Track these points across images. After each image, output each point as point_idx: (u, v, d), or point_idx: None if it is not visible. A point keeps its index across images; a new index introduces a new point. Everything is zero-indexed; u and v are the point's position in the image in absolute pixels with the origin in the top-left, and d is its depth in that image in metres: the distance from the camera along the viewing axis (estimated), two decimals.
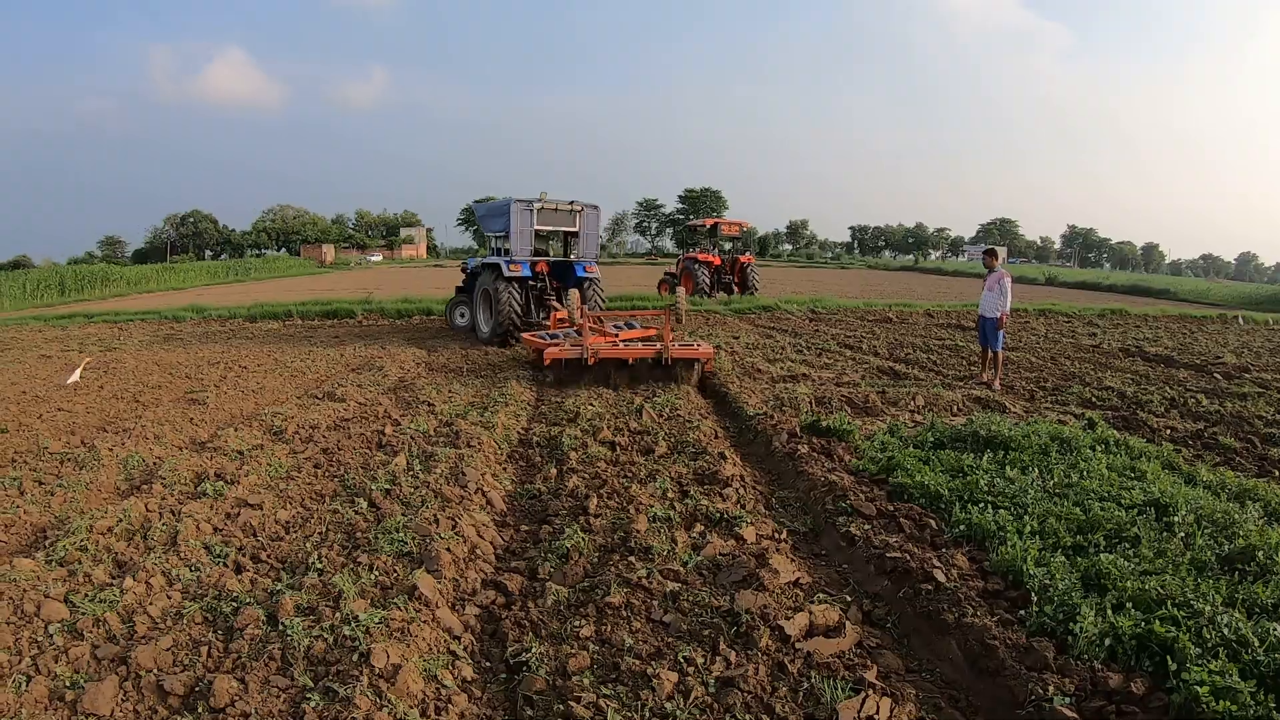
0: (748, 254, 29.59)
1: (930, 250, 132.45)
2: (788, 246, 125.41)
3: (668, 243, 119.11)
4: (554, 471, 7.47)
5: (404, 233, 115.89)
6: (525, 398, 10.98)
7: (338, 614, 4.27)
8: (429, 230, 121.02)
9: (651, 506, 6.21)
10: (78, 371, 13.05)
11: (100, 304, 33.53)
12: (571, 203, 15.88)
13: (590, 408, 9.85)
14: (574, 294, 14.81)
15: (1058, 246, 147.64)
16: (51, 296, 39.92)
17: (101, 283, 45.37)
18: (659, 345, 11.66)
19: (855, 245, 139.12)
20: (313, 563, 5.12)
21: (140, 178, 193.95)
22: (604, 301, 16.72)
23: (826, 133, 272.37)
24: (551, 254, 16.68)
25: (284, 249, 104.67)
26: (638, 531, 5.65)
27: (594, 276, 16.21)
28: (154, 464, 7.79)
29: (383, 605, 4.44)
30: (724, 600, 4.48)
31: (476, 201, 18.01)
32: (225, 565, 5.29)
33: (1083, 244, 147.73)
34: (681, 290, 19.87)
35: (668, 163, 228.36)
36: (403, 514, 5.97)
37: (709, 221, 29.29)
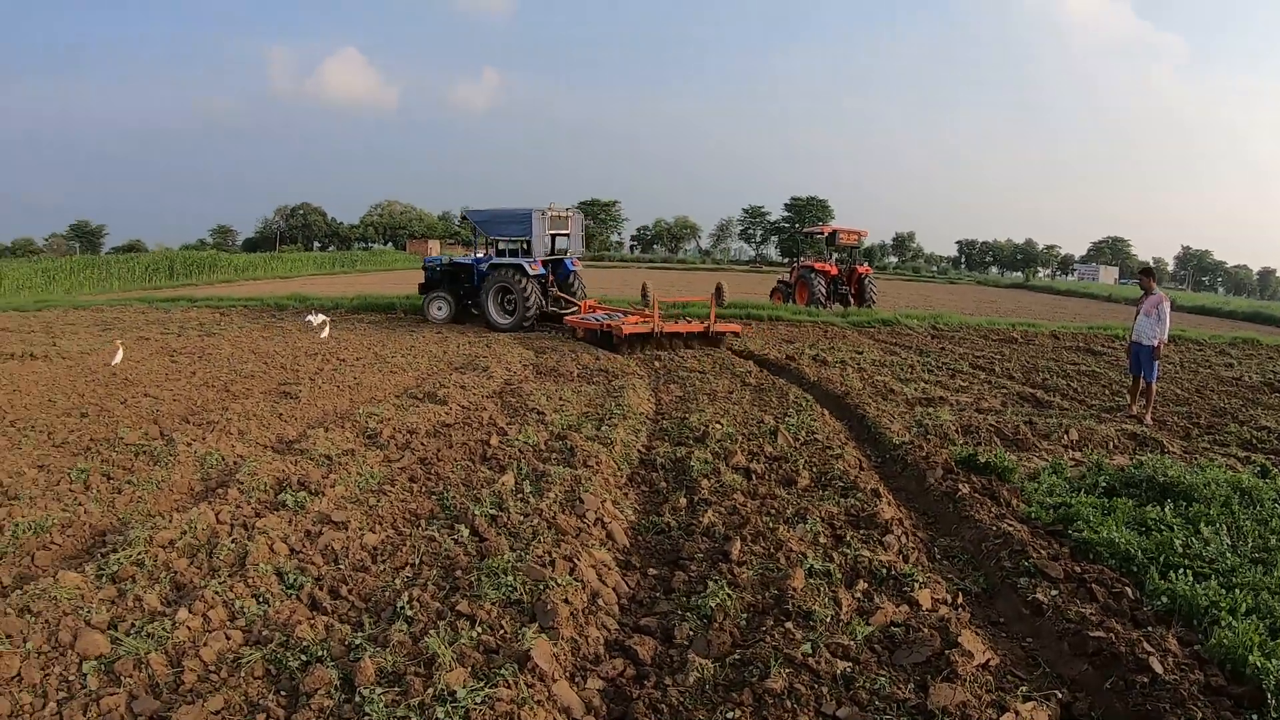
0: (865, 265, 28.42)
1: (1039, 268, 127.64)
2: (893, 259, 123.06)
3: (772, 251, 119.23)
4: (684, 501, 6.66)
5: None
6: (644, 409, 10.22)
7: (430, 688, 3.50)
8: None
9: (805, 556, 5.35)
10: (119, 354, 13.34)
11: (206, 289, 35.01)
12: (566, 208, 20.03)
13: (719, 426, 8.99)
14: (648, 285, 19.84)
15: (1171, 268, 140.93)
16: (160, 280, 42.16)
17: (209, 269, 47.66)
18: (705, 322, 16.87)
19: (963, 260, 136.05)
20: (402, 607, 4.39)
21: (255, 171, 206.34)
22: (585, 291, 21.41)
23: (935, 145, 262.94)
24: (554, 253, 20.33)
25: (390, 243, 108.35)
26: (794, 590, 4.76)
27: (578, 270, 21.14)
28: (233, 464, 7.37)
29: (486, 676, 3.66)
30: (909, 690, 3.79)
31: (472, 210, 20.53)
32: (299, 599, 4.65)
33: (1196, 266, 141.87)
34: (724, 285, 20.23)
35: (774, 170, 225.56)
36: (511, 549, 5.22)
37: (827, 229, 28.19)
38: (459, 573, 4.92)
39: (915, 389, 12.33)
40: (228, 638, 4.14)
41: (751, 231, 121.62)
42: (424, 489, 6.76)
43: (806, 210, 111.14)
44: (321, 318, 18.12)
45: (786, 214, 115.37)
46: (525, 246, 19.31)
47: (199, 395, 10.63)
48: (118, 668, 3.81)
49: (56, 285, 36.76)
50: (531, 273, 18.69)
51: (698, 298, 20.44)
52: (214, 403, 10.12)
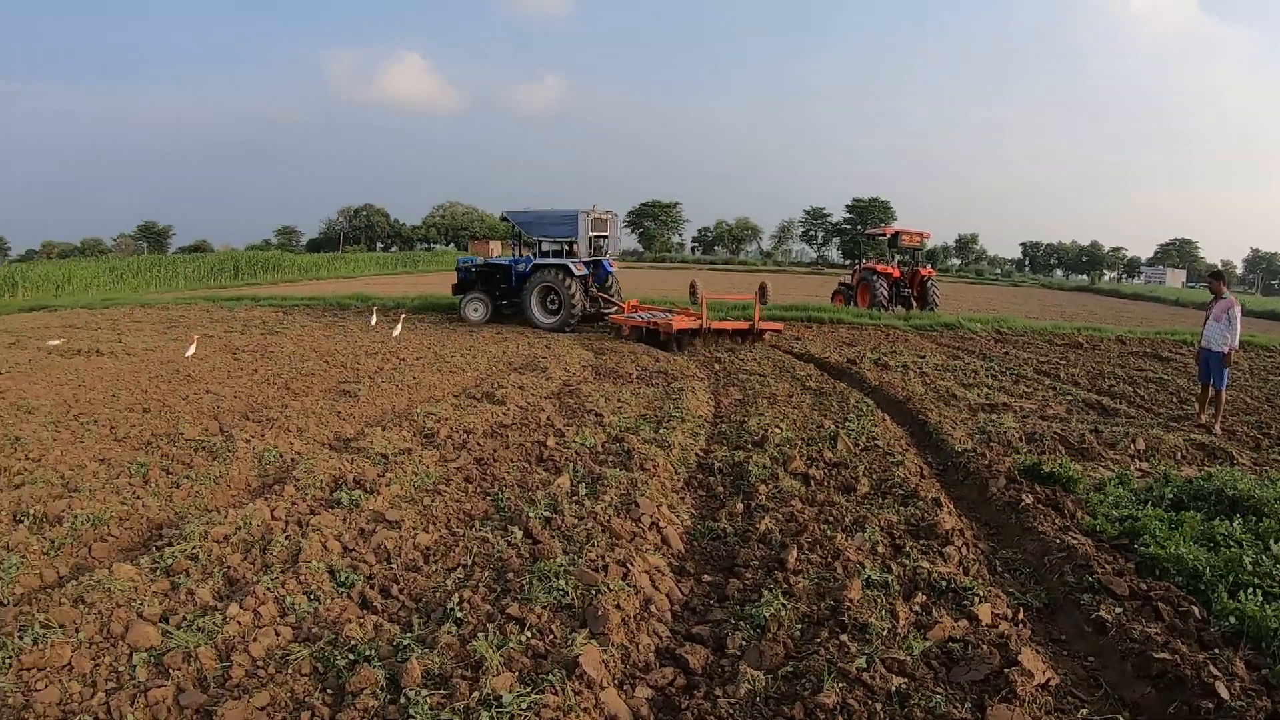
0: (929, 267, 27.87)
1: (1105, 270, 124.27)
2: (956, 261, 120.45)
3: (833, 253, 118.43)
4: (740, 507, 6.55)
5: None
6: (703, 412, 10.11)
7: (475, 692, 3.44)
8: None
9: (863, 566, 5.18)
10: (193, 346, 14.26)
11: (270, 288, 35.82)
12: (606, 211, 20.66)
13: (778, 430, 8.84)
14: (697, 283, 19.73)
15: (1240, 271, 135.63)
16: (225, 279, 43.39)
17: (274, 269, 48.86)
18: (750, 321, 17.79)
19: (1026, 262, 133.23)
20: (452, 609, 4.35)
21: (319, 174, 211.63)
22: (621, 292, 21.85)
23: (997, 146, 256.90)
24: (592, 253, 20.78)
25: (452, 244, 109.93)
26: (850, 601, 4.60)
27: (614, 270, 21.48)
28: (291, 461, 7.46)
29: (533, 682, 3.60)
30: (966, 710, 3.65)
31: (514, 211, 20.73)
32: (349, 597, 4.64)
33: (1266, 269, 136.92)
34: (768, 284, 19.74)
35: (833, 171, 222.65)
36: (564, 552, 5.15)
37: (889, 230, 27.77)
38: (510, 575, 4.87)
39: (978, 395, 12.10)
40: (277, 634, 4.15)
41: (813, 233, 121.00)
42: (479, 489, 6.74)
43: (868, 212, 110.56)
44: (396, 316, 19.04)
45: (848, 215, 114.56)
46: (569, 248, 20.11)
47: (260, 392, 10.82)
48: (167, 660, 3.84)
49: (124, 284, 37.97)
50: (577, 273, 19.24)
51: (744, 296, 20.77)
52: (274, 400, 10.28)
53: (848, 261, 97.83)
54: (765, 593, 4.74)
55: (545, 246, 20.29)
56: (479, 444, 8.15)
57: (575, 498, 6.39)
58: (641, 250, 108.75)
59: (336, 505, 6.05)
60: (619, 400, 10.61)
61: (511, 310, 20.61)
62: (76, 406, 9.68)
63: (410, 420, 8.87)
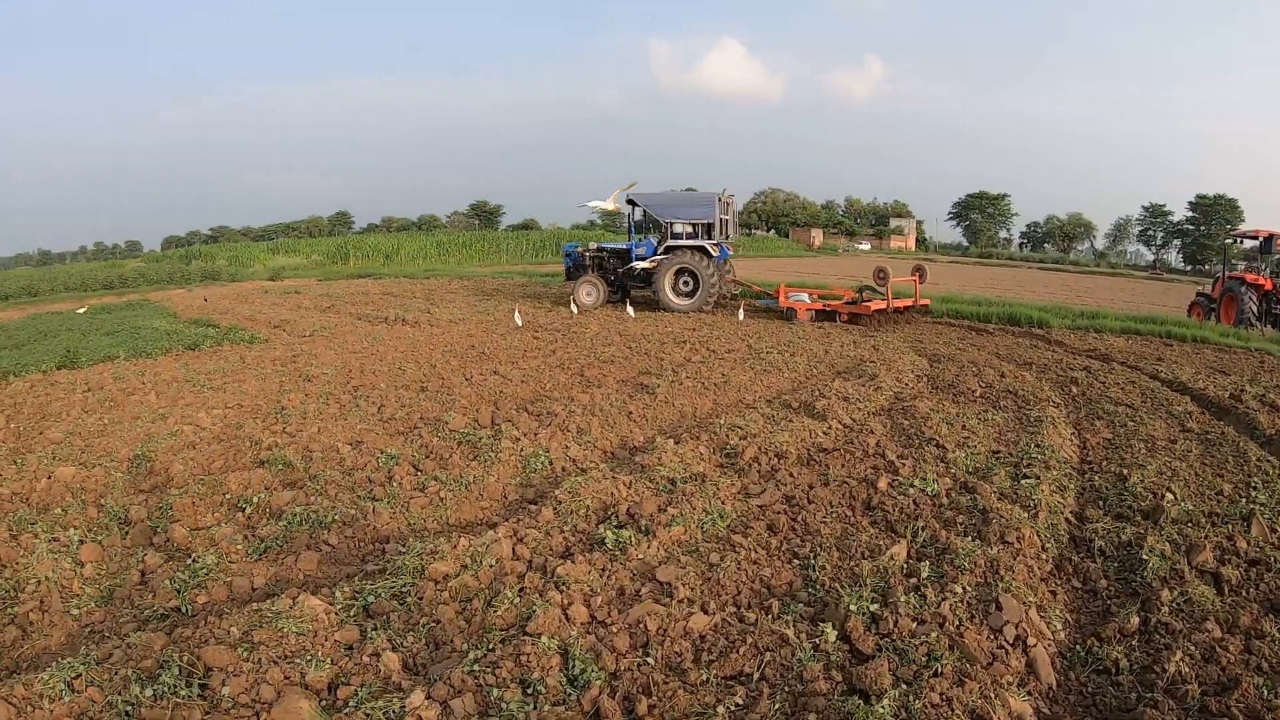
0: None
1: None
2: None
3: (1173, 256, 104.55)
4: (1135, 621, 4.50)
5: (893, 223, 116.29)
6: (1067, 453, 7.86)
7: None
8: (919, 222, 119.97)
9: None
10: (518, 315, 15.09)
11: None
12: (730, 195, 21.76)
13: (1170, 496, 6.46)
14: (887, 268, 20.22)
15: None
16: (548, 256, 45.91)
17: None
18: (912, 299, 19.14)
19: None
20: None
21: (641, 161, 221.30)
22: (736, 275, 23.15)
23: None
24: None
25: (773, 230, 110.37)
26: None
27: (731, 254, 22.23)
28: (559, 472, 6.52)
29: None
30: None
31: (641, 193, 21.17)
32: (579, 705, 3.41)
33: None
34: (924, 265, 20.60)
35: (1179, 163, 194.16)
36: (892, 678, 3.58)
37: (1262, 232, 22.69)
38: (812, 716, 3.37)
39: None
40: None
41: (1151, 233, 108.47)
42: (784, 547, 5.27)
43: (1213, 211, 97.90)
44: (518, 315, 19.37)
45: (1191, 214, 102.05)
46: (703, 230, 20.57)
47: (550, 378, 10.22)
48: None
49: (449, 256, 41.11)
50: (714, 254, 20.05)
51: (904, 279, 20.44)
52: (562, 389, 9.58)
53: (1189, 267, 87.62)
54: None
55: (677, 229, 20.65)
56: (791, 474, 6.69)
57: (914, 582, 4.72)
58: (966, 245, 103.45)
59: (598, 547, 4.89)
60: (963, 427, 8.66)
61: (620, 296, 21.16)
62: (358, 378, 9.57)
63: (711, 432, 7.60)
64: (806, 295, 20.03)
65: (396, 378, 9.70)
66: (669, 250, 20.29)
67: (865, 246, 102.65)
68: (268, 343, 13.51)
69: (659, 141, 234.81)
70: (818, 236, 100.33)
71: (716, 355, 12.45)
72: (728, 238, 21.45)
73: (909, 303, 19.24)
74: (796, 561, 5.03)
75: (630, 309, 18.89)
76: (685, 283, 20.14)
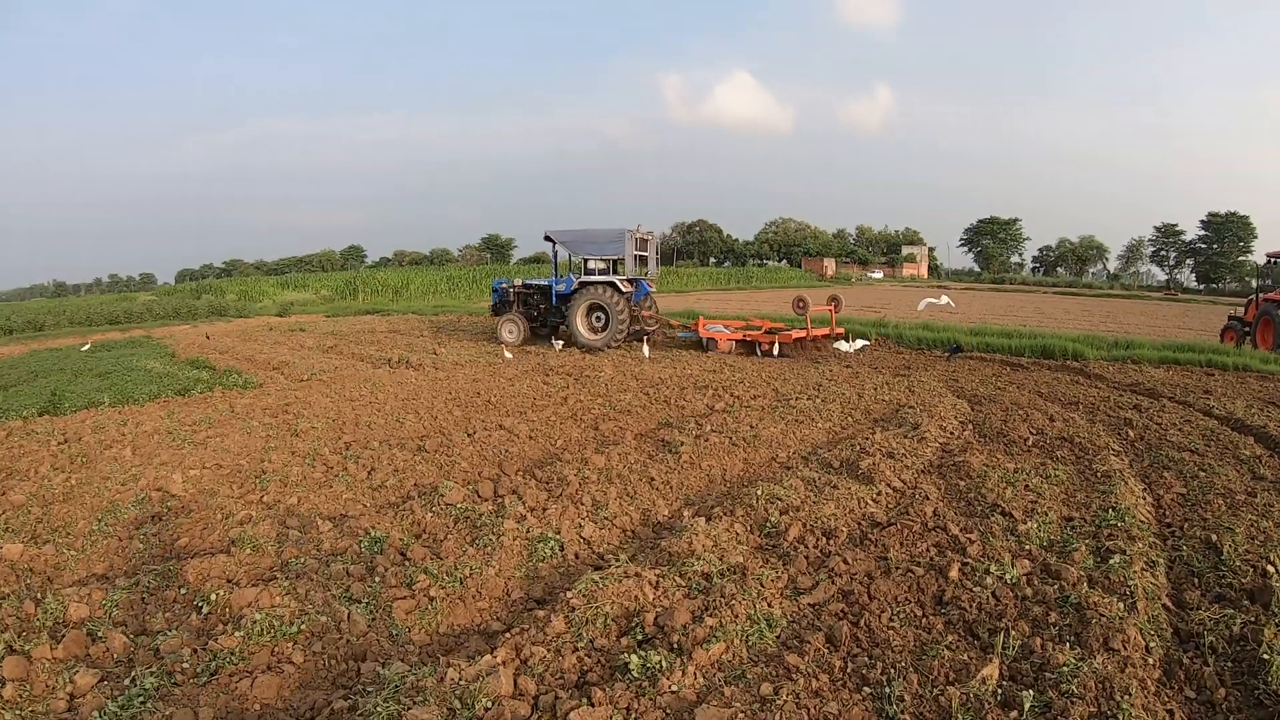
0: None
1: None
2: None
3: (1187, 276, 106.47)
4: None
5: (905, 250, 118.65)
6: (1142, 514, 6.80)
7: None
8: (931, 250, 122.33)
9: None
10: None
11: None
12: (648, 231, 21.40)
13: (1272, 569, 5.45)
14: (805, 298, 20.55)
15: None
16: None
17: None
18: (828, 329, 19.76)
19: None
20: None
21: (654, 190, 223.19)
22: (658, 311, 22.95)
23: None
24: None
25: (785, 260, 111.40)
26: None
27: (652, 290, 22.00)
28: (571, 560, 5.55)
29: None
30: None
31: (557, 230, 21.02)
32: None
33: None
34: (841, 298, 21.15)
35: (1192, 183, 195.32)
36: None
37: None
38: None
39: None
40: None
41: (1164, 253, 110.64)
42: (849, 668, 4.25)
43: (1225, 229, 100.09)
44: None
45: (1203, 232, 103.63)
46: (614, 266, 20.84)
47: (560, 433, 9.30)
48: None
49: (458, 291, 40.35)
50: (624, 290, 20.02)
51: (821, 307, 21.28)
52: (574, 446, 8.64)
53: (1201, 286, 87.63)
54: None
55: (591, 265, 20.87)
56: (844, 560, 5.67)
57: (1015, 715, 3.75)
58: (979, 270, 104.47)
59: (621, 674, 3.90)
60: (1026, 487, 7.62)
61: (547, 332, 21.29)
62: (351, 432, 8.70)
63: (746, 505, 6.59)
64: (723, 325, 20.36)
65: (393, 431, 8.80)
66: (582, 286, 20.36)
67: (878, 275, 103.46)
68: (261, 388, 12.61)
69: (673, 172, 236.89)
70: (830, 266, 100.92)
71: (741, 402, 11.49)
72: (646, 274, 21.47)
73: (826, 331, 19.72)
74: (867, 689, 4.01)
75: (557, 343, 19.43)
76: (598, 318, 20.15)
